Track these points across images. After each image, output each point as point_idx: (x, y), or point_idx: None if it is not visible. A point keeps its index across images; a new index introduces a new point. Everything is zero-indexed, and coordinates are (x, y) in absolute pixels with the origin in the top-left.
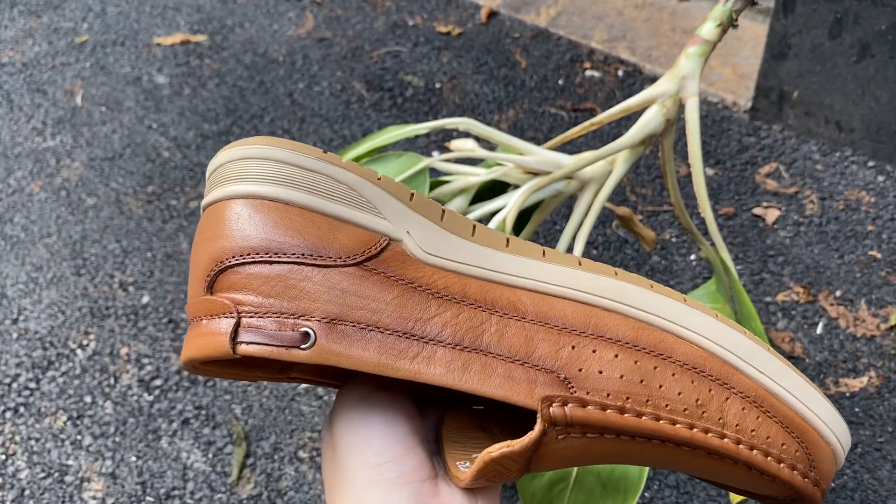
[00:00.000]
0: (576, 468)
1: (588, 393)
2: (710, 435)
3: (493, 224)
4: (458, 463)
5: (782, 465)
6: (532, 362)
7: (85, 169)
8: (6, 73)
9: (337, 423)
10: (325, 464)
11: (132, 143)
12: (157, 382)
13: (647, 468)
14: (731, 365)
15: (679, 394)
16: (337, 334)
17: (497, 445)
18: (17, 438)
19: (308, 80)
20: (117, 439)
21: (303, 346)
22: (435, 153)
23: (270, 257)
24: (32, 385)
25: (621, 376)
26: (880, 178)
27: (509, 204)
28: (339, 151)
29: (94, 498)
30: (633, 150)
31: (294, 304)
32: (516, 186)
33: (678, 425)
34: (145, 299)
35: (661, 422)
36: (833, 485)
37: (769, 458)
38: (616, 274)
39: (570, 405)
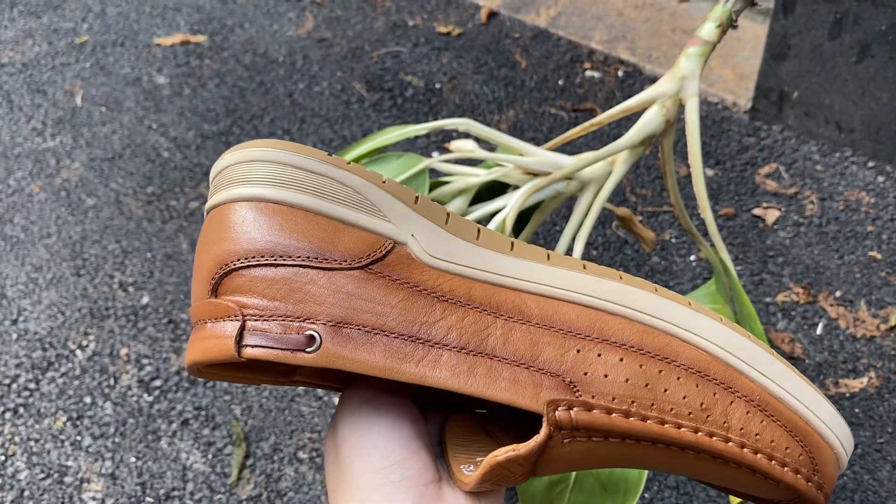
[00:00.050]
0: None
1: (593, 397)
2: (714, 439)
3: (492, 225)
4: (461, 466)
5: (786, 468)
6: (537, 366)
7: (85, 169)
8: (6, 74)
9: (341, 426)
10: (328, 466)
11: (132, 143)
12: (157, 383)
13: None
14: (735, 368)
15: (684, 397)
16: (342, 338)
17: (503, 449)
18: (17, 439)
19: (308, 81)
20: (117, 440)
21: (308, 350)
22: (435, 154)
23: (275, 260)
24: (32, 386)
25: (626, 380)
26: (880, 179)
27: (509, 205)
28: (338, 152)
29: (93, 499)
30: (633, 151)
31: (299, 307)
32: (516, 187)
33: (683, 429)
34: (145, 300)
35: (666, 425)
36: None
37: (773, 462)
38: (621, 278)
39: (575, 409)
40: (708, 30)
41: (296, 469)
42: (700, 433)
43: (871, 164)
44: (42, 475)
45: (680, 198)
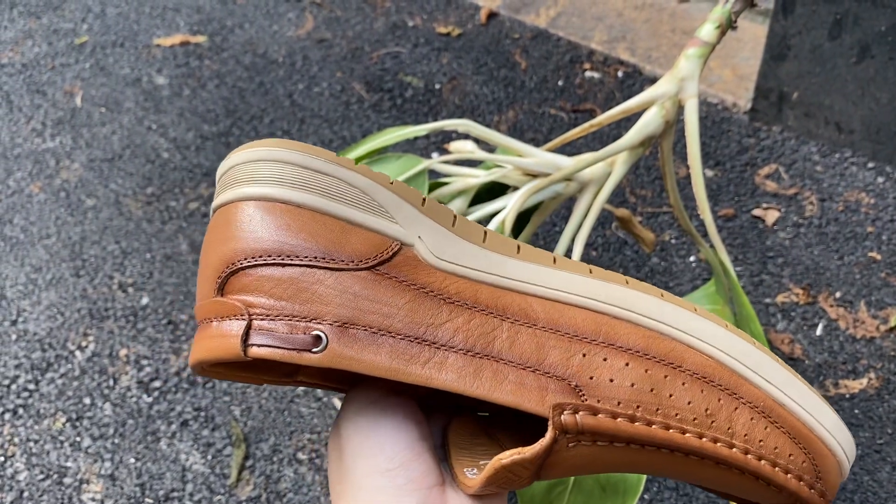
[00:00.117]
0: None
1: (599, 401)
2: (719, 445)
3: (491, 226)
4: (465, 469)
5: (789, 475)
6: (543, 369)
7: (84, 170)
8: (6, 74)
9: (345, 427)
10: (331, 467)
11: (132, 144)
12: (157, 384)
13: None
14: (739, 375)
15: (689, 403)
16: (349, 338)
17: (508, 452)
18: (16, 440)
19: (308, 81)
20: (116, 441)
21: (314, 350)
22: (434, 155)
23: (283, 260)
24: (31, 386)
25: (632, 385)
26: (880, 180)
27: (508, 206)
28: (338, 153)
29: (93, 500)
30: (633, 152)
31: (306, 307)
32: (515, 188)
33: (688, 434)
34: (144, 300)
35: (671, 431)
36: None
37: (777, 469)
38: (627, 282)
39: (581, 413)
40: (707, 31)
41: (295, 470)
42: (704, 439)
43: (870, 164)
44: (41, 476)
45: (679, 199)
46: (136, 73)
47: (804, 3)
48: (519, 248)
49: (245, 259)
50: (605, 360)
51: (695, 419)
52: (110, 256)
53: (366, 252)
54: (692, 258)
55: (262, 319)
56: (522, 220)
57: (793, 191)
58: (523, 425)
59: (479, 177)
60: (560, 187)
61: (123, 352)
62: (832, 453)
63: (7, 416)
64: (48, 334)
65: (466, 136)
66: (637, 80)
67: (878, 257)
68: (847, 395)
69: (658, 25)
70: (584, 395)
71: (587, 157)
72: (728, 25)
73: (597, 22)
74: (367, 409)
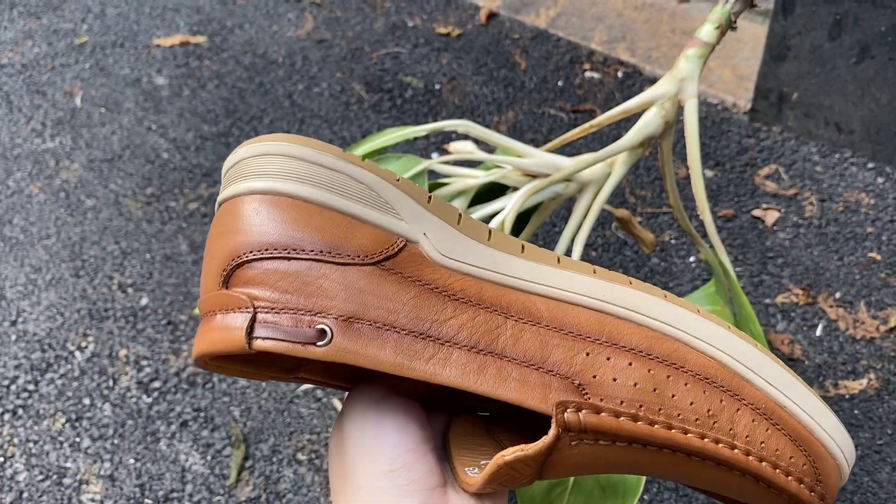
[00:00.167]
0: None
1: (602, 400)
2: (720, 445)
3: (491, 226)
4: (465, 469)
5: (790, 478)
6: (547, 367)
7: (84, 170)
8: (6, 75)
9: (347, 427)
10: (332, 467)
11: (131, 144)
12: (156, 384)
13: None
14: (741, 376)
15: (691, 403)
16: (353, 332)
17: (511, 449)
18: (16, 440)
19: (307, 82)
20: (116, 441)
21: (319, 344)
22: (434, 155)
23: (288, 254)
24: (31, 387)
25: (635, 384)
26: (880, 180)
27: (508, 206)
28: None
29: (92, 500)
30: (632, 152)
31: (311, 300)
32: (515, 189)
33: (689, 435)
34: (144, 301)
35: (673, 431)
36: None
37: (777, 471)
38: (630, 283)
39: (584, 411)
40: (707, 31)
41: (295, 470)
42: (706, 439)
43: (870, 165)
44: (41, 477)
45: (679, 199)
46: (136, 73)
47: (804, 4)
48: (523, 247)
49: (251, 252)
50: (608, 359)
51: (697, 420)
52: (110, 257)
53: (371, 248)
54: (692, 259)
55: (266, 312)
56: (522, 220)
57: (793, 191)
58: (524, 425)
59: (478, 177)
60: (560, 188)
61: (123, 352)
62: (832, 456)
63: (7, 416)
64: (48, 335)
65: (466, 137)
66: (637, 80)
67: (878, 258)
68: (847, 396)
69: (658, 26)
70: (587, 393)
71: (587, 157)
72: (728, 26)
73: (597, 22)
74: (370, 410)
